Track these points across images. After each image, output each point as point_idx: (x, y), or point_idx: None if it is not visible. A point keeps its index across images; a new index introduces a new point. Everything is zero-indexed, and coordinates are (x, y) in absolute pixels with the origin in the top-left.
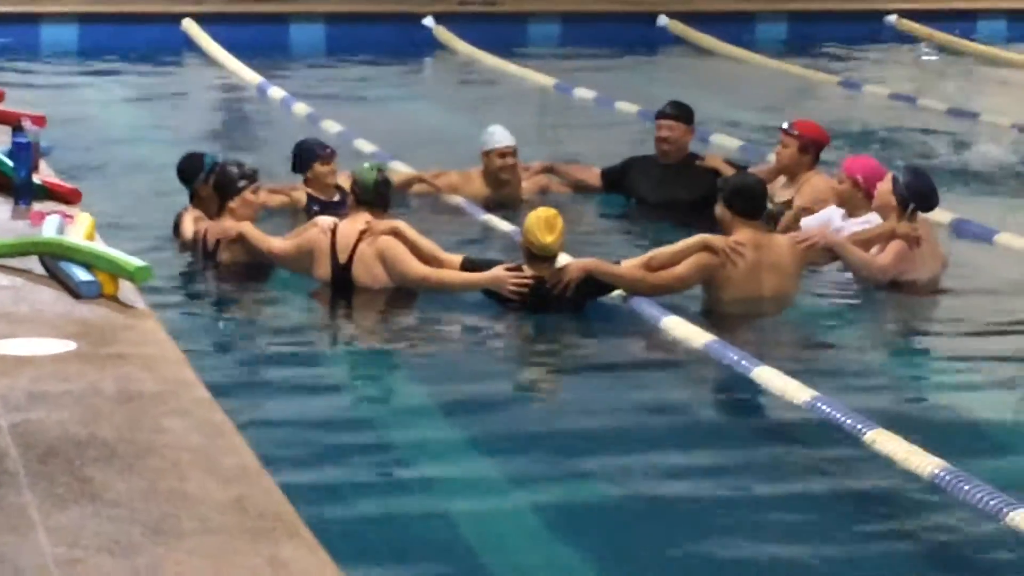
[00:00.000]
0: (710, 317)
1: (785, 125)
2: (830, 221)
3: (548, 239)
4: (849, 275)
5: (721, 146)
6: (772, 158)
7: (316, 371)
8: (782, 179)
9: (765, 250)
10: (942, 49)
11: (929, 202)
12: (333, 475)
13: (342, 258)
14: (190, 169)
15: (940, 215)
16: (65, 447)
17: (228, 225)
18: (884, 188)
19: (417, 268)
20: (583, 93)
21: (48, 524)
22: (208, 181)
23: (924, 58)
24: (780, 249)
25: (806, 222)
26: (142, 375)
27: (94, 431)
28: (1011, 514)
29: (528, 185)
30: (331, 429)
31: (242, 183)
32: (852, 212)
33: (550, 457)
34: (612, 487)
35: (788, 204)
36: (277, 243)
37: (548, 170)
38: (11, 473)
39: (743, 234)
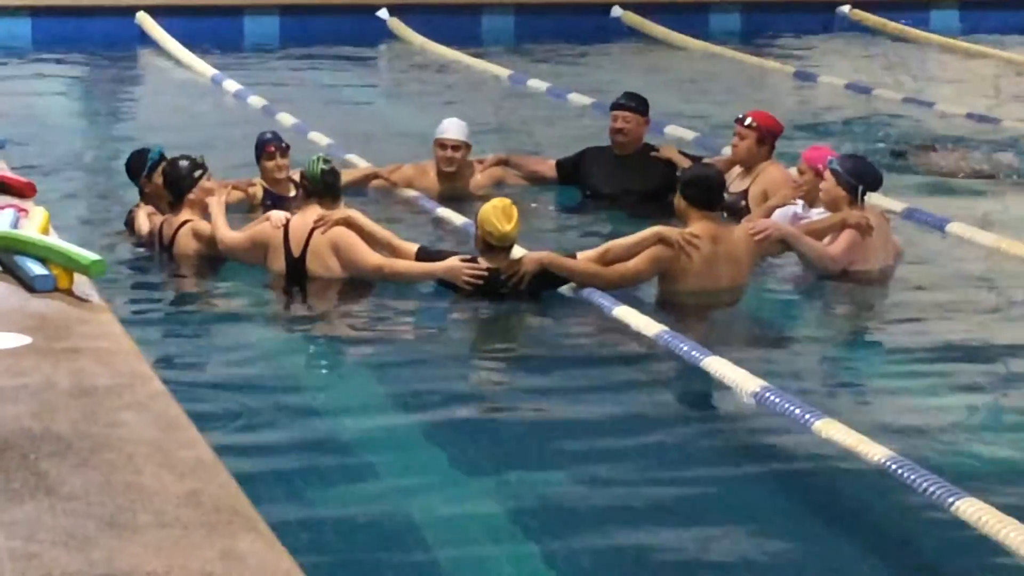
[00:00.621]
0: (665, 308)
1: (740, 117)
2: (793, 213)
3: (507, 227)
4: (802, 266)
5: (676, 137)
6: (727, 150)
7: (272, 363)
8: (737, 170)
9: (721, 242)
10: (895, 39)
11: (876, 180)
12: (289, 467)
13: (296, 251)
14: (136, 165)
15: (892, 204)
16: (20, 441)
17: (183, 218)
18: (828, 184)
19: (371, 257)
20: (536, 84)
21: (3, 518)
22: (151, 176)
23: (878, 48)
24: (735, 240)
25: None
26: (97, 369)
27: (49, 425)
28: (957, 503)
29: (483, 178)
30: (288, 421)
31: (197, 173)
32: (814, 203)
33: (504, 446)
34: (565, 475)
35: (744, 194)
36: (230, 236)
37: (503, 162)
38: None
39: (699, 226)
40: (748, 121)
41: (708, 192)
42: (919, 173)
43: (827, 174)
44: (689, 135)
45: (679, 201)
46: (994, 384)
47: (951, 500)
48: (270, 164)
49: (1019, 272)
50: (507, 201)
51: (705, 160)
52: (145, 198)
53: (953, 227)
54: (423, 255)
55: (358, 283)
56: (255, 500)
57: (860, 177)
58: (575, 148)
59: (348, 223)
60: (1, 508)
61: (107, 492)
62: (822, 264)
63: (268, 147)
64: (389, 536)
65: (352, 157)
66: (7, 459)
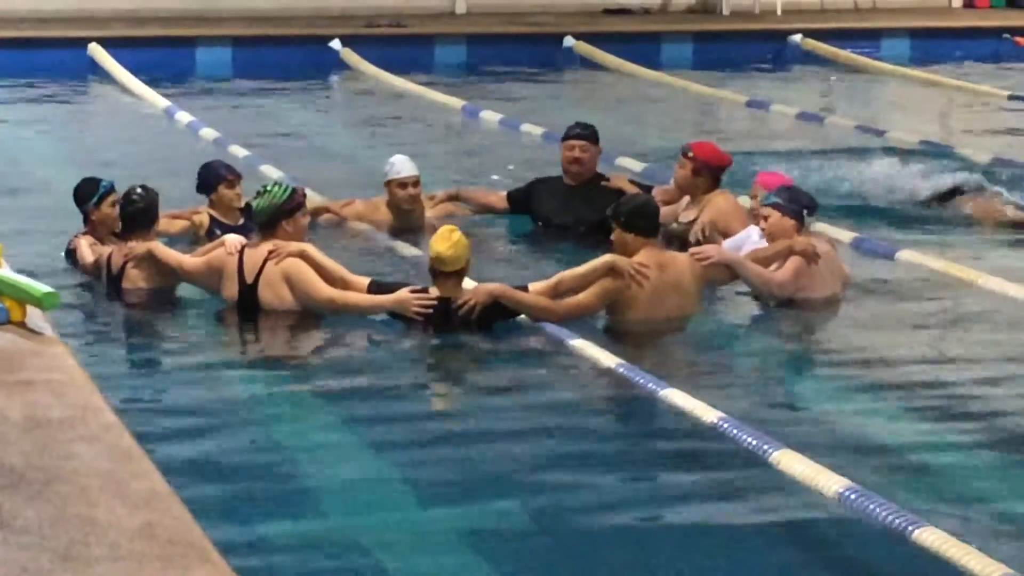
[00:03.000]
0: (614, 336)
1: (684, 146)
2: (748, 239)
3: (439, 247)
4: (750, 294)
5: (625, 168)
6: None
7: (225, 393)
8: (686, 199)
9: (667, 269)
10: (847, 68)
11: (813, 203)
12: (243, 495)
13: (249, 278)
14: (85, 194)
15: (842, 233)
16: None
17: (135, 246)
18: (774, 218)
19: (323, 290)
20: (488, 115)
21: None
22: (100, 206)
23: (830, 77)
24: (681, 268)
25: (727, 243)
26: (50, 401)
27: (1, 457)
28: (916, 532)
29: (434, 213)
30: (241, 451)
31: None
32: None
33: (456, 476)
34: (516, 504)
35: (691, 223)
36: (188, 260)
37: (454, 197)
38: None
39: (646, 255)
40: (687, 151)
41: (652, 219)
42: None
43: (767, 210)
44: (638, 166)
45: (619, 233)
46: (945, 409)
47: (910, 528)
48: (230, 192)
49: (970, 298)
50: (452, 227)
51: (655, 189)
52: (90, 227)
53: (903, 254)
54: (375, 288)
55: (310, 314)
56: (209, 530)
57: (801, 203)
58: (528, 178)
59: (302, 255)
60: None
61: (61, 525)
62: (768, 290)
63: (229, 176)
64: (344, 563)
65: (306, 191)
66: None
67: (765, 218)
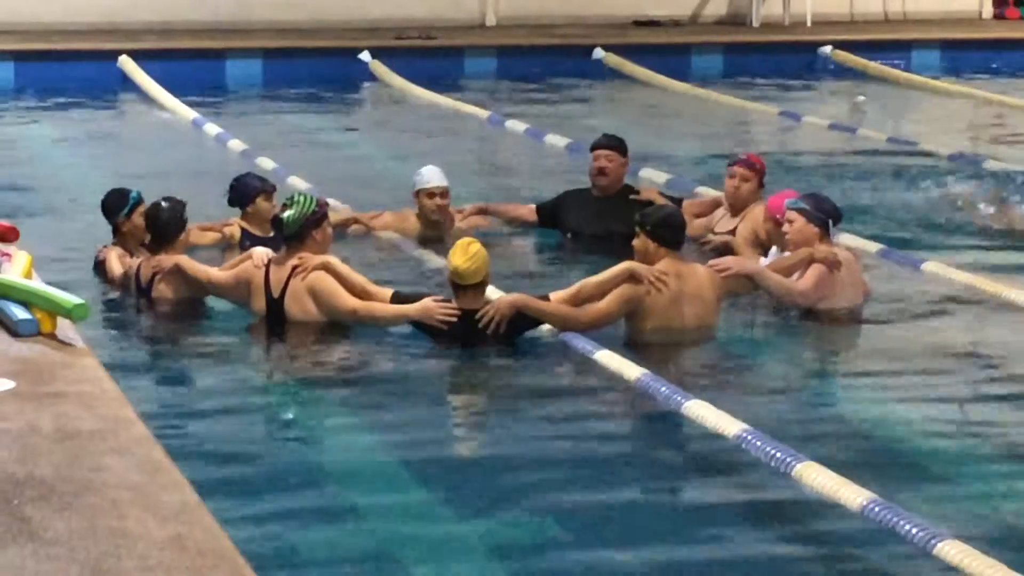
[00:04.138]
0: (635, 347)
1: (742, 159)
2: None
3: (457, 261)
4: (771, 305)
5: (649, 179)
6: (701, 190)
7: (254, 405)
8: (721, 211)
9: (687, 279)
10: (878, 79)
11: (839, 213)
12: (272, 507)
13: (275, 292)
14: (114, 205)
15: (867, 244)
16: (3, 486)
17: (163, 259)
18: (798, 223)
19: (347, 301)
20: (514, 126)
21: None
22: (129, 217)
23: (861, 88)
24: (700, 278)
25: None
26: (80, 413)
27: (32, 470)
28: (939, 545)
29: (463, 225)
30: (270, 460)
31: (184, 217)
32: (782, 248)
33: (479, 484)
34: (538, 513)
35: (731, 233)
36: (216, 273)
37: (483, 211)
38: None
39: (666, 264)
40: (751, 163)
41: (677, 231)
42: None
43: (792, 214)
44: (662, 177)
45: (643, 242)
46: (968, 421)
47: (934, 542)
48: (267, 204)
49: (993, 310)
50: (472, 240)
51: (686, 202)
52: (119, 238)
53: (928, 266)
54: (398, 299)
55: (336, 326)
56: (239, 543)
57: (826, 211)
58: (551, 188)
59: (326, 268)
60: None
61: (91, 537)
62: (790, 299)
63: (267, 188)
64: (372, 574)
65: (332, 201)
66: None
67: (790, 222)
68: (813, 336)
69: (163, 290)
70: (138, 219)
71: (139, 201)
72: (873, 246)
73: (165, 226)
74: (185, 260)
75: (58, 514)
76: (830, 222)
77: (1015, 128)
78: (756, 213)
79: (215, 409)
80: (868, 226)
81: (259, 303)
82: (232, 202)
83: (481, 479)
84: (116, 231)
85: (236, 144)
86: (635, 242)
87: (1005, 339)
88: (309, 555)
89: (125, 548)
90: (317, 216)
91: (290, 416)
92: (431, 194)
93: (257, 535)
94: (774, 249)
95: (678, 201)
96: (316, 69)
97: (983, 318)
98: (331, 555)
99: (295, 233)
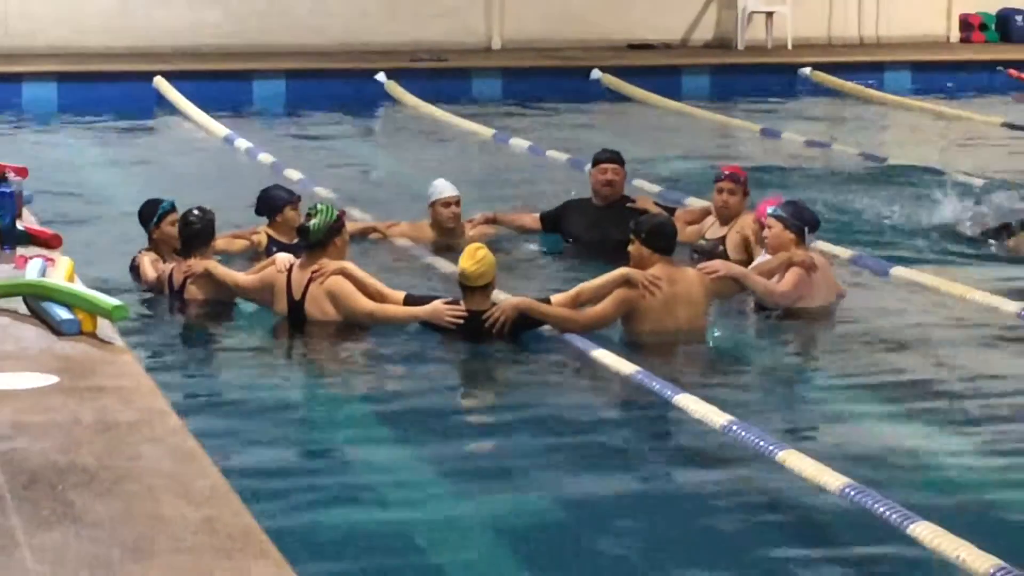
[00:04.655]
0: (630, 346)
1: (729, 173)
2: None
3: (464, 264)
4: (753, 306)
5: (642, 189)
6: (690, 200)
7: (278, 397)
8: (710, 219)
9: (678, 283)
10: (853, 97)
11: (816, 222)
12: (296, 491)
13: (296, 295)
14: (147, 214)
15: (838, 250)
16: (48, 473)
17: (194, 263)
18: (776, 229)
19: (363, 303)
20: (518, 142)
21: (32, 544)
22: (160, 224)
23: (837, 106)
24: (691, 281)
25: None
26: (119, 406)
27: (75, 458)
28: (911, 526)
29: (473, 233)
30: (294, 451)
31: (213, 228)
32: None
33: (484, 470)
34: (538, 496)
35: (722, 240)
36: (242, 277)
37: (491, 220)
38: None
39: (659, 269)
40: (738, 177)
41: (669, 239)
42: (877, 222)
43: (771, 221)
44: (654, 188)
45: (637, 248)
46: (935, 407)
47: (906, 523)
48: (293, 214)
49: (955, 310)
50: (479, 245)
51: (679, 210)
52: (153, 244)
53: (896, 270)
54: (410, 301)
55: (352, 326)
56: (265, 526)
57: (804, 220)
58: (552, 199)
59: (343, 273)
60: (31, 535)
61: (129, 520)
62: (772, 300)
63: (293, 199)
64: (390, 556)
65: (353, 211)
66: (36, 490)
67: (769, 227)
68: (793, 333)
69: (194, 292)
70: (168, 227)
71: (169, 210)
72: (846, 252)
73: (195, 234)
74: (214, 265)
75: (99, 499)
76: (806, 229)
77: (979, 142)
78: (744, 222)
79: (242, 401)
80: (842, 233)
81: (281, 304)
82: (260, 212)
83: (486, 464)
84: (151, 237)
85: (265, 157)
86: (630, 248)
87: (966, 334)
88: (329, 535)
89: (160, 530)
90: (339, 224)
91: (310, 408)
92: (446, 203)
93: (281, 517)
94: (762, 253)
95: (671, 210)
96: (336, 89)
97: (946, 316)
98: (348, 534)
99: (320, 240)
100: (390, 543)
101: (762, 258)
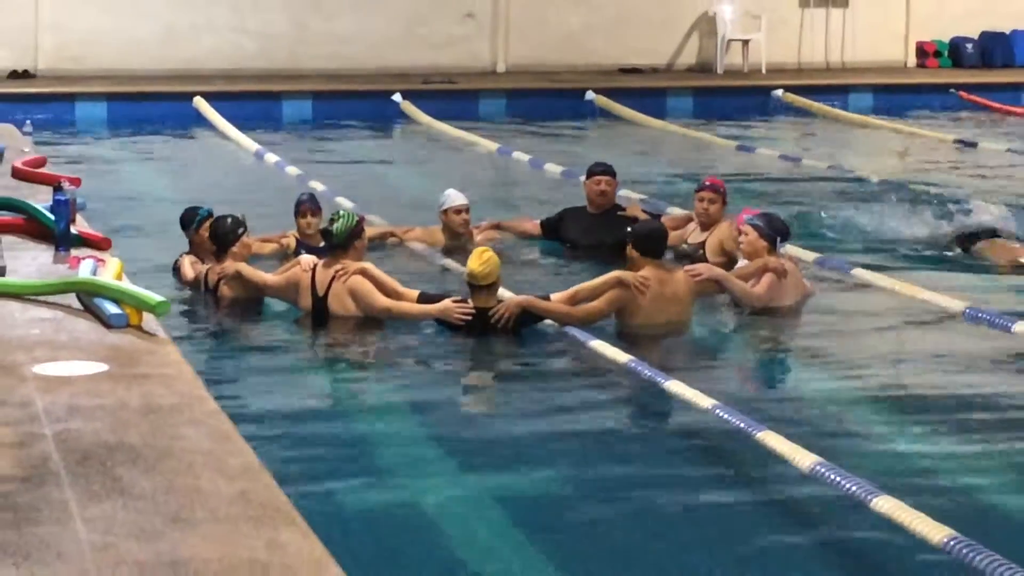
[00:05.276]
0: (623, 338)
1: (709, 184)
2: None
3: (472, 265)
4: (731, 303)
5: (627, 198)
6: (673, 209)
7: (304, 384)
8: (692, 225)
9: (666, 283)
10: (821, 117)
11: (787, 232)
12: (321, 470)
13: (320, 292)
14: (187, 220)
15: (805, 254)
16: (99, 451)
17: (227, 265)
18: (751, 237)
19: (381, 300)
20: (519, 156)
21: (85, 515)
22: (198, 229)
23: (806, 125)
24: (678, 282)
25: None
26: (162, 391)
27: (123, 438)
28: (873, 500)
29: (480, 238)
30: (318, 432)
31: (240, 230)
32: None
33: (490, 451)
34: (546, 476)
35: (701, 246)
36: (270, 277)
37: (496, 227)
38: (54, 473)
39: (649, 271)
40: (719, 188)
41: (657, 244)
42: (842, 229)
43: (747, 228)
44: (637, 197)
45: (631, 251)
46: (897, 391)
47: (869, 497)
48: (303, 221)
49: (909, 307)
50: (485, 248)
51: (663, 217)
52: (192, 247)
53: (856, 271)
54: (423, 299)
55: (371, 320)
56: (293, 498)
57: (776, 230)
58: (548, 206)
59: (363, 272)
60: (83, 507)
61: (171, 493)
62: (748, 301)
63: (302, 207)
64: (405, 527)
65: (372, 218)
66: (88, 466)
67: (745, 235)
68: (766, 328)
69: (226, 291)
70: (205, 232)
71: (207, 217)
72: (811, 255)
73: (223, 237)
74: (244, 267)
75: (144, 474)
76: (778, 238)
77: (933, 157)
78: (722, 228)
79: (272, 387)
80: (809, 239)
81: (306, 301)
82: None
83: (493, 446)
84: (190, 241)
85: (292, 170)
86: (628, 251)
87: (920, 329)
88: (351, 508)
89: (199, 502)
90: (359, 229)
91: (334, 394)
92: (457, 211)
93: (308, 492)
94: (742, 260)
95: (656, 216)
96: (357, 108)
97: (901, 313)
98: (368, 506)
99: (341, 243)
100: (405, 515)
101: (741, 263)
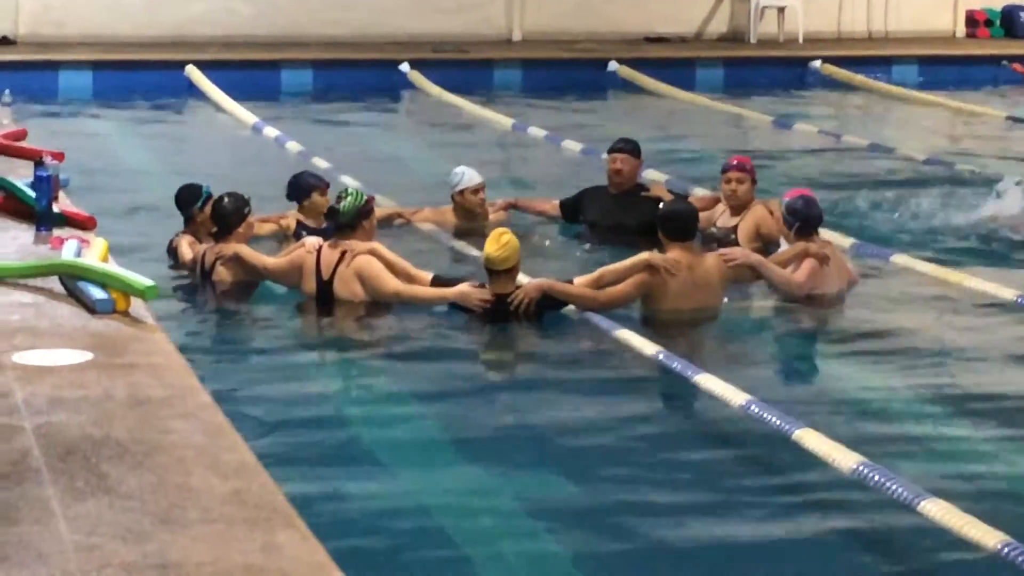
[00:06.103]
0: (650, 326)
1: (736, 163)
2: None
3: (490, 249)
4: (769, 291)
5: (651, 179)
6: (698, 190)
7: (306, 375)
8: (721, 207)
9: (696, 267)
10: (862, 90)
11: (811, 220)
12: (322, 468)
13: (325, 275)
14: (188, 198)
15: (843, 239)
16: (83, 446)
17: (225, 247)
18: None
19: (391, 283)
20: (535, 132)
21: (68, 514)
22: (204, 209)
23: (847, 98)
24: (709, 266)
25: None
26: (151, 382)
27: (108, 432)
28: (921, 503)
29: (495, 218)
30: (320, 426)
31: (245, 210)
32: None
33: (507, 444)
34: (567, 473)
35: (734, 230)
36: (271, 260)
37: (512, 206)
38: (35, 469)
39: (678, 254)
40: (745, 167)
41: (684, 225)
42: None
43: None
44: (662, 177)
45: (660, 234)
46: (948, 389)
47: (917, 500)
48: (321, 200)
49: (955, 296)
50: (503, 230)
51: (690, 198)
52: (191, 227)
53: (897, 258)
54: (437, 283)
55: (379, 305)
56: (291, 498)
57: (797, 215)
58: (566, 187)
59: (372, 253)
60: (66, 505)
61: (160, 491)
62: (788, 289)
63: (321, 185)
64: (410, 529)
65: (379, 198)
66: (72, 462)
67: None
68: (806, 318)
69: (222, 274)
70: (208, 211)
71: (211, 195)
72: (847, 240)
73: (227, 218)
74: (243, 248)
75: (131, 471)
76: (797, 224)
77: (982, 134)
78: (756, 210)
79: (270, 378)
80: (848, 220)
81: (310, 285)
82: (290, 196)
83: (509, 439)
84: (189, 221)
85: (293, 145)
86: (659, 234)
87: (967, 320)
88: (353, 508)
89: (191, 501)
90: (368, 208)
91: (338, 385)
92: (475, 191)
93: (308, 491)
94: (784, 244)
95: (684, 197)
96: (361, 78)
97: (949, 302)
98: (373, 507)
99: (348, 222)
100: (412, 515)
101: (784, 247)
